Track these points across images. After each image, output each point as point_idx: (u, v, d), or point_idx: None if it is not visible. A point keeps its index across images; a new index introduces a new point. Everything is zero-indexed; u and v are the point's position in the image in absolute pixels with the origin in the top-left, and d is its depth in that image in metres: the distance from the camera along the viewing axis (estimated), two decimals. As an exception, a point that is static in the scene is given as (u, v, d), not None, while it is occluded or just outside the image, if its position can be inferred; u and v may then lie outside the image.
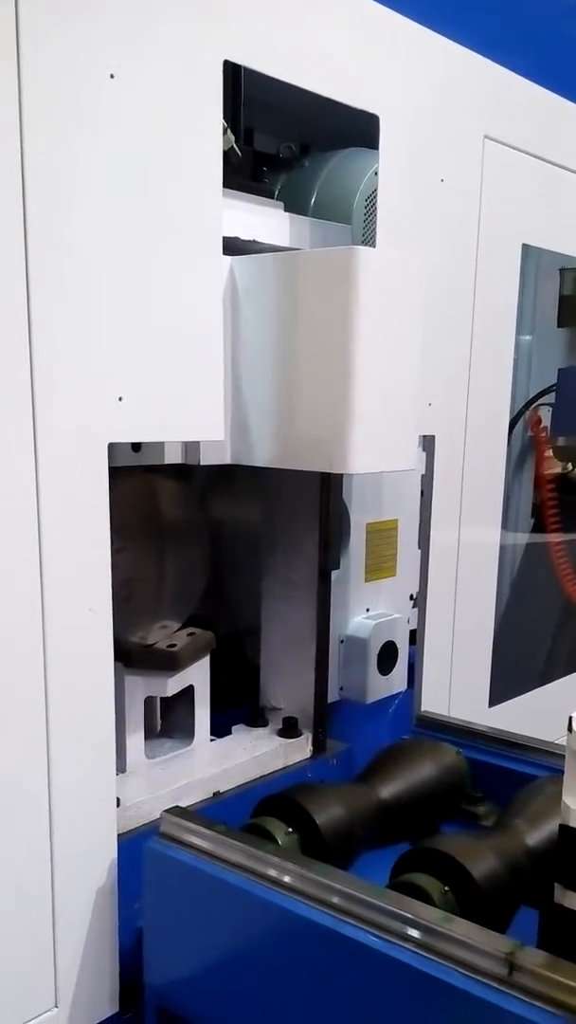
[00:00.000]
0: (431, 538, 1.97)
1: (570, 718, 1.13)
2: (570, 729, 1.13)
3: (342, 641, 2.02)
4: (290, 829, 1.37)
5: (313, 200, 1.87)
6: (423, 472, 1.96)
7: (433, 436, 1.90)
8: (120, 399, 1.25)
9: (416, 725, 1.87)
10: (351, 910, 1.16)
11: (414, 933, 1.11)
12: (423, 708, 1.94)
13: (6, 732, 1.22)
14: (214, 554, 1.91)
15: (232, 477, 1.97)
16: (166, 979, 1.36)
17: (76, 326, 1.20)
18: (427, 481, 1.96)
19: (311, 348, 1.36)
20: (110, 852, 1.38)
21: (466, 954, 1.06)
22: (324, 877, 1.20)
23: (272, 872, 1.23)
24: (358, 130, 1.88)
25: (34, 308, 1.15)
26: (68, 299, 1.19)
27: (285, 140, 2.02)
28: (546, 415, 2.67)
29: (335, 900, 1.17)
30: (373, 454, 1.39)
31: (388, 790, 1.51)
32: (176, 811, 1.37)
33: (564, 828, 1.14)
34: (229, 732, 1.84)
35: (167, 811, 1.37)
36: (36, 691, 1.24)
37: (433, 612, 2.01)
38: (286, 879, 1.22)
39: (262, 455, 1.45)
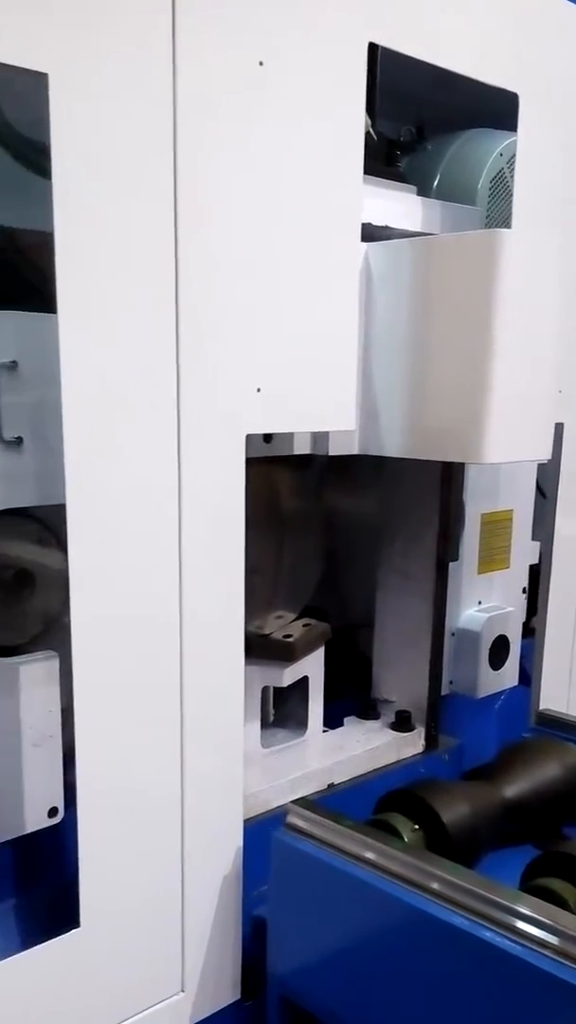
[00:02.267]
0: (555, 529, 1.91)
1: None
2: None
3: (453, 634, 1.99)
4: (416, 826, 1.35)
5: (436, 183, 1.83)
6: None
7: (562, 424, 1.84)
8: (258, 390, 1.25)
9: (535, 723, 1.82)
10: (486, 912, 1.13)
11: (553, 939, 1.08)
12: (542, 705, 1.90)
13: (143, 720, 1.23)
14: (328, 544, 1.89)
15: (347, 467, 1.95)
16: (289, 969, 1.36)
17: (221, 316, 1.20)
18: (550, 470, 1.90)
19: (448, 334, 1.32)
20: (236, 840, 1.38)
21: (612, 965, 1.02)
22: (458, 878, 1.18)
23: (402, 870, 1.22)
24: (477, 110, 1.82)
25: (181, 297, 1.15)
26: (214, 288, 1.19)
27: (404, 123, 1.98)
28: None
29: (469, 901, 1.15)
30: (509, 444, 1.35)
31: (513, 789, 1.48)
32: (303, 803, 1.37)
33: None
34: (338, 723, 1.83)
35: (294, 803, 1.37)
36: (172, 679, 1.25)
37: (554, 606, 1.95)
38: (418, 878, 1.20)
39: (391, 445, 1.42)
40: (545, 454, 1.45)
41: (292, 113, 1.23)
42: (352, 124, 1.28)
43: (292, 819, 1.35)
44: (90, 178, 1.06)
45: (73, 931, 1.22)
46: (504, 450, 1.34)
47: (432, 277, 1.33)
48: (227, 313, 1.21)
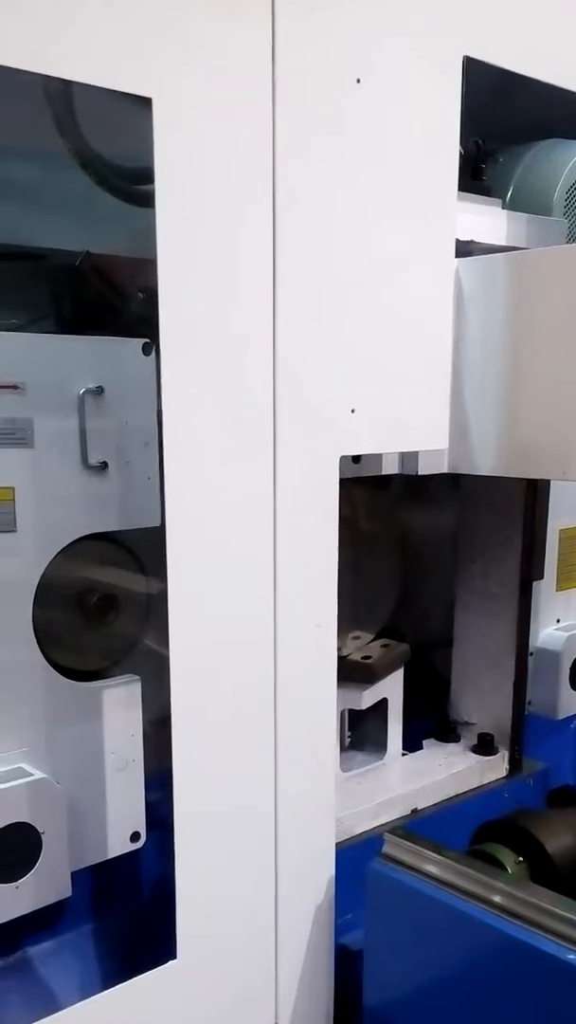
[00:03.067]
0: None
1: None
2: None
3: (531, 653, 1.94)
4: (520, 858, 1.31)
5: (509, 194, 1.80)
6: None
7: None
8: (353, 411, 1.23)
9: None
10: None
11: None
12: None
13: (238, 745, 1.21)
14: (404, 564, 1.87)
15: (423, 486, 1.92)
16: (386, 1002, 1.33)
17: (317, 337, 1.19)
18: None
19: (546, 349, 1.29)
20: (328, 868, 1.35)
21: None
22: (569, 911, 1.13)
23: (511, 903, 1.17)
24: (543, 120, 1.78)
25: (279, 320, 1.14)
26: (311, 309, 1.18)
27: (468, 135, 1.96)
28: None
29: (581, 937, 1.11)
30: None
31: (613, 817, 1.43)
32: (399, 832, 1.33)
33: None
34: (413, 744, 1.79)
35: (390, 832, 1.33)
36: (266, 702, 1.23)
37: None
38: (527, 911, 1.16)
39: (483, 463, 1.39)
40: None
41: (389, 130, 1.21)
42: (447, 139, 1.27)
43: (389, 849, 1.31)
44: (192, 202, 1.05)
45: (170, 963, 1.20)
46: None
47: (528, 292, 1.30)
48: (323, 334, 1.20)
